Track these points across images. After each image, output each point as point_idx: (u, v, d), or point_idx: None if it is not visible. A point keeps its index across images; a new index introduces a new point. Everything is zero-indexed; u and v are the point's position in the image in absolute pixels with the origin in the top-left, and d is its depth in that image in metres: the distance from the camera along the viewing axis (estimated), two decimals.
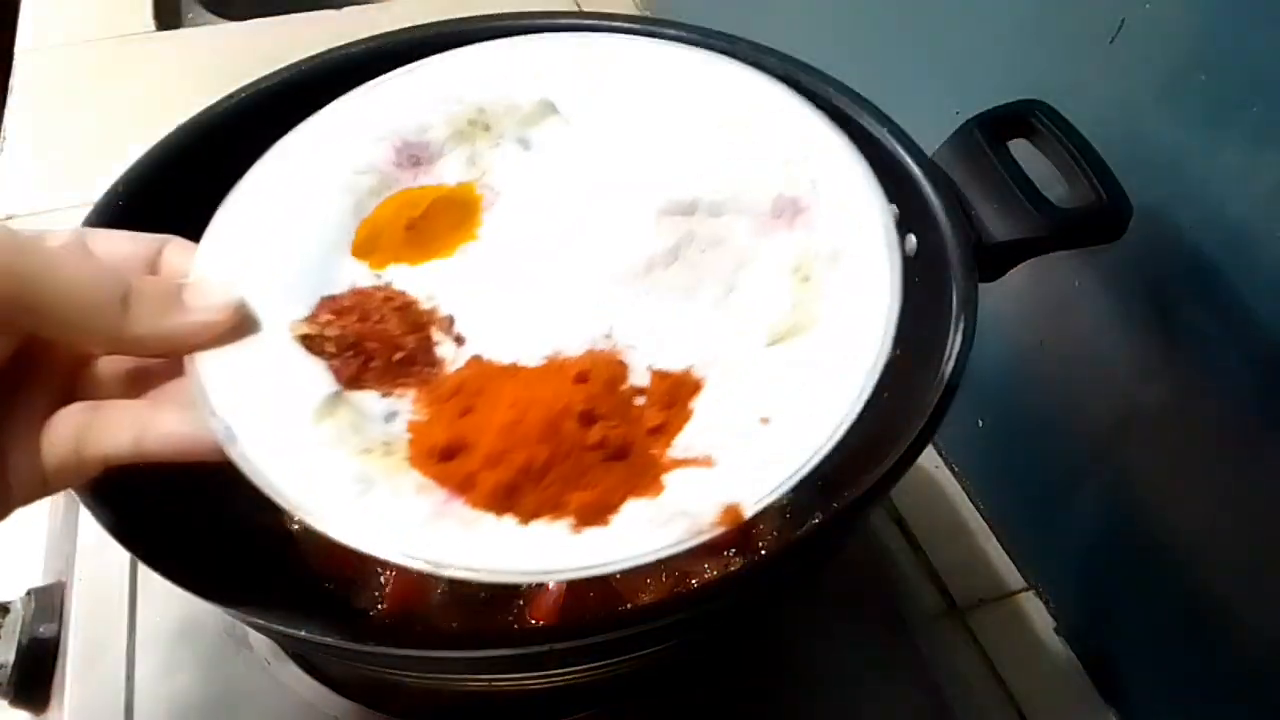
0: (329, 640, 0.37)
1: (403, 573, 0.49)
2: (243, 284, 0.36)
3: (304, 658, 0.51)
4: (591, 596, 0.48)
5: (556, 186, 0.43)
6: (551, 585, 0.48)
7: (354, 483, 0.33)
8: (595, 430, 0.34)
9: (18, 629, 0.54)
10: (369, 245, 0.41)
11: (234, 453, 0.33)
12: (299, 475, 0.33)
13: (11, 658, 0.53)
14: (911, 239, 0.47)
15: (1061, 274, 0.52)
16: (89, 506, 0.38)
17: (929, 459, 0.67)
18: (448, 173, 0.43)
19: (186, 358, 0.34)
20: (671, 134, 0.43)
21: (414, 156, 0.43)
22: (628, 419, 0.35)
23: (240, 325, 0.35)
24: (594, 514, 0.33)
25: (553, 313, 0.39)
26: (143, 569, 0.55)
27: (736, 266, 0.40)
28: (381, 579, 0.50)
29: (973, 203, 0.44)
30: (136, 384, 0.35)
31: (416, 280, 0.40)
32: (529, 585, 0.49)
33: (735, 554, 0.50)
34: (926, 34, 0.59)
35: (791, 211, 0.40)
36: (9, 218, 0.83)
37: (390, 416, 0.36)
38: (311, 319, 0.37)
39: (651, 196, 0.42)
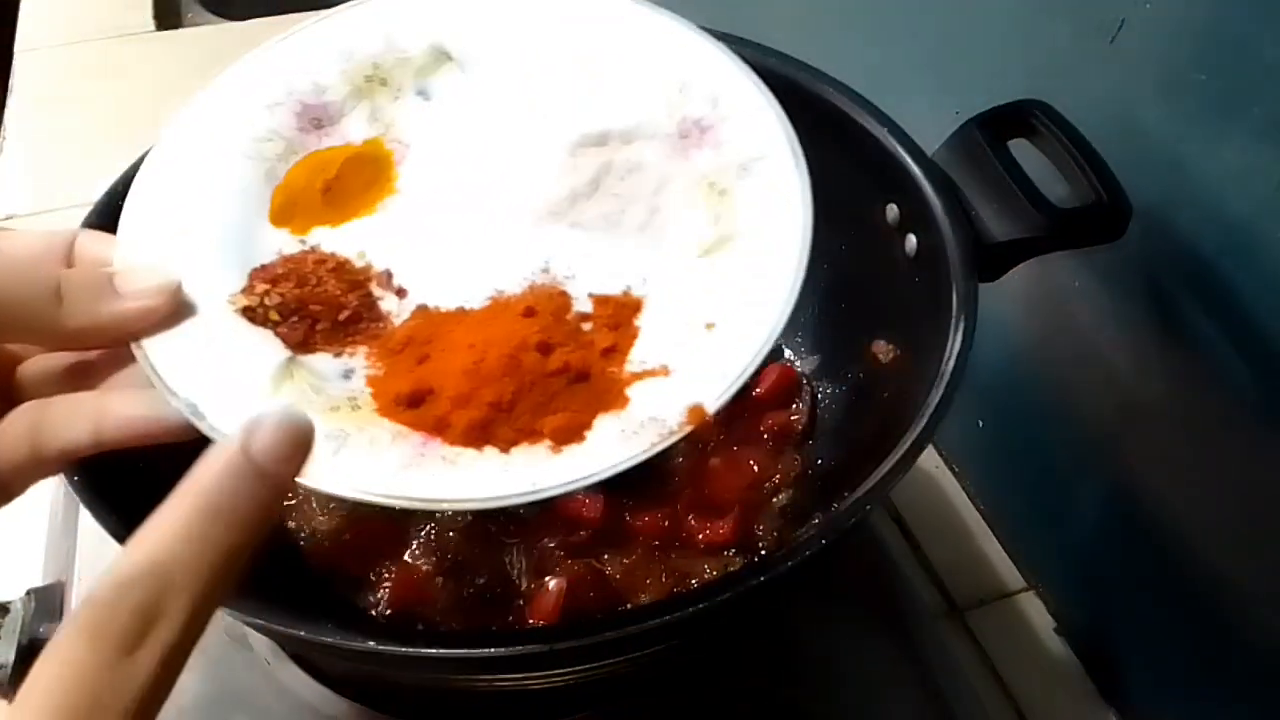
0: (328, 640, 0.37)
1: (403, 570, 0.49)
2: (170, 265, 0.36)
3: (303, 657, 0.51)
4: (592, 596, 0.48)
5: (465, 133, 0.44)
6: (552, 584, 0.48)
7: (328, 439, 0.34)
8: (554, 357, 0.36)
9: (18, 629, 0.54)
10: (287, 211, 0.41)
11: (204, 426, 0.33)
12: None
13: (11, 657, 0.53)
14: (911, 239, 0.47)
15: (1061, 274, 0.52)
16: (88, 506, 0.38)
17: (929, 459, 0.67)
18: (352, 131, 0.43)
19: (133, 345, 0.34)
20: (569, 71, 0.44)
21: (315, 119, 0.43)
22: (581, 344, 0.37)
23: (179, 307, 0.35)
24: (569, 434, 0.34)
25: (487, 254, 0.40)
26: None
27: (655, 189, 0.41)
28: (382, 579, 0.50)
29: (972, 202, 0.44)
30: (76, 380, 0.35)
31: (343, 240, 0.41)
32: (529, 586, 0.49)
33: (735, 554, 0.50)
34: (926, 33, 0.59)
35: (698, 131, 0.41)
36: (8, 217, 0.83)
37: (347, 374, 0.37)
38: (249, 290, 0.38)
39: (562, 132, 0.43)
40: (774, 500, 0.53)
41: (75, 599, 0.56)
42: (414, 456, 0.34)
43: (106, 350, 0.35)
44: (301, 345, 0.37)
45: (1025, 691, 0.57)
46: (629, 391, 0.36)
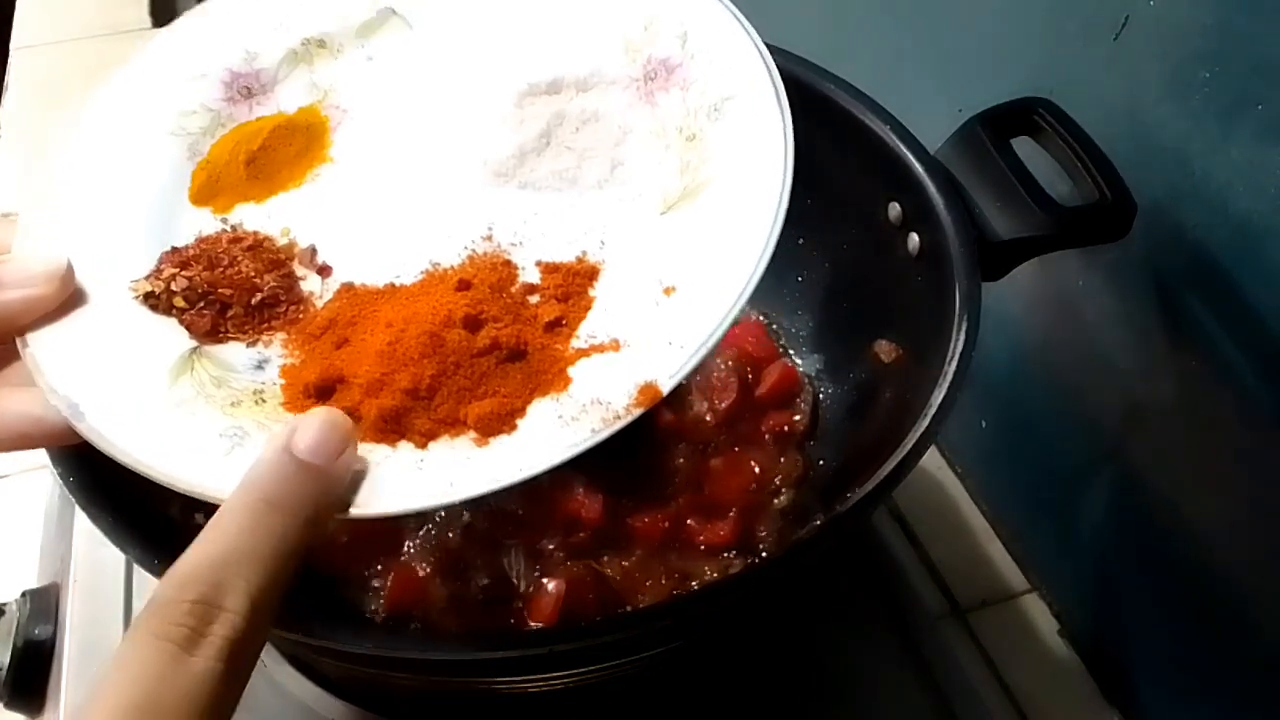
0: (326, 642, 0.36)
1: (401, 573, 0.49)
2: (73, 251, 0.34)
3: (300, 659, 0.51)
4: (591, 598, 0.47)
5: (411, 95, 0.40)
6: (551, 586, 0.48)
7: (222, 438, 0.31)
8: (483, 334, 0.32)
9: (13, 631, 0.54)
10: (209, 190, 0.38)
11: (83, 428, 0.30)
12: (158, 440, 0.31)
13: (6, 660, 0.53)
14: (914, 237, 0.47)
15: (1065, 272, 0.52)
16: (84, 508, 0.38)
17: (932, 459, 0.67)
18: (287, 99, 0.40)
19: (18, 339, 0.32)
20: (522, 17, 0.40)
21: (245, 88, 0.40)
22: (520, 319, 0.33)
23: (73, 295, 0.33)
24: (496, 422, 0.30)
25: (424, 224, 0.37)
26: (138, 570, 0.55)
27: (616, 140, 0.38)
28: (380, 580, 0.49)
29: (976, 201, 0.44)
30: None
31: (267, 217, 0.38)
32: (528, 588, 0.49)
33: (736, 556, 0.50)
34: (929, 31, 0.59)
35: (664, 72, 0.38)
36: (5, 214, 0.82)
37: (261, 364, 0.34)
38: (154, 275, 0.35)
39: (509, 83, 0.39)
40: (775, 501, 0.52)
41: (70, 600, 0.55)
42: None
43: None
44: (209, 334, 0.34)
45: (1028, 692, 0.57)
46: (571, 370, 0.32)
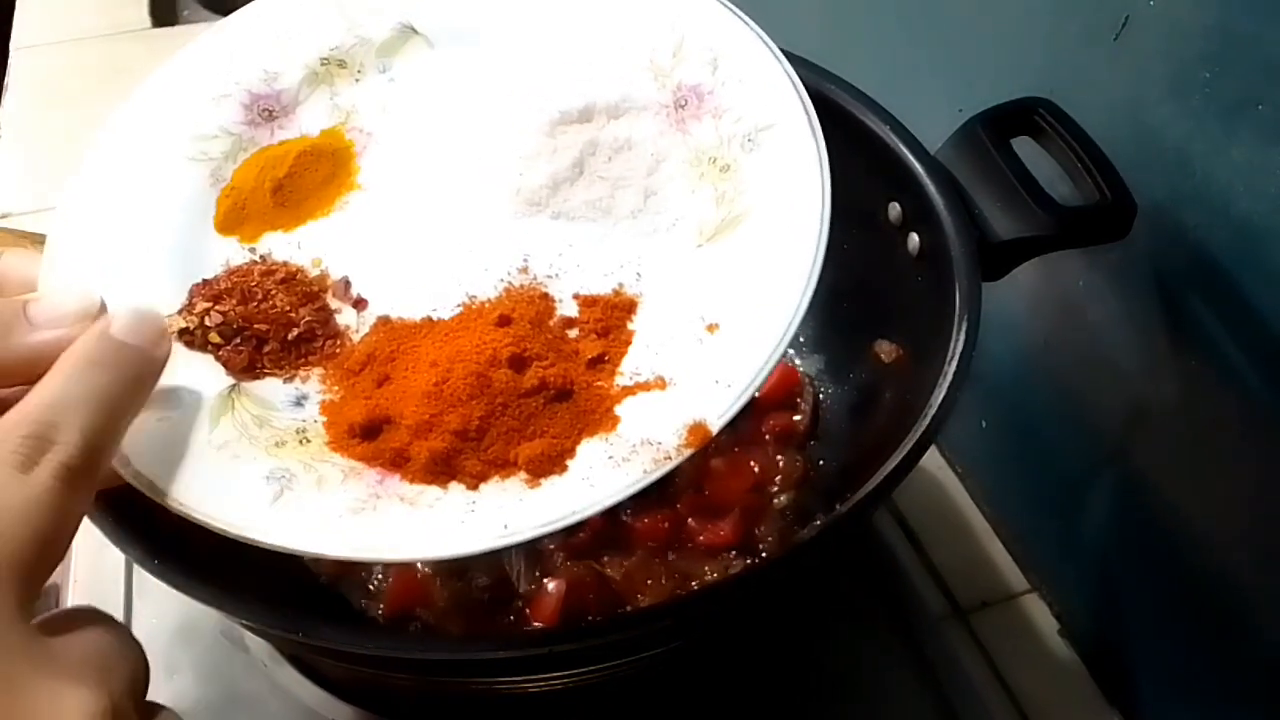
0: (326, 642, 0.36)
1: (401, 573, 0.49)
2: (101, 283, 0.33)
3: (301, 660, 0.51)
4: (591, 598, 0.47)
5: (435, 116, 0.39)
6: (551, 587, 0.48)
7: (269, 481, 0.30)
8: (530, 374, 0.32)
9: None
10: (235, 217, 0.37)
11: (129, 474, 0.30)
12: (205, 485, 0.30)
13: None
14: (914, 237, 0.47)
15: (1066, 273, 0.52)
16: None
17: (932, 460, 0.67)
18: (309, 120, 0.39)
19: None
20: (547, 38, 0.39)
21: (266, 110, 0.39)
22: (563, 355, 0.33)
23: None
24: (547, 464, 0.30)
25: (458, 254, 0.36)
26: (139, 571, 0.55)
27: (649, 169, 0.37)
28: (380, 580, 0.49)
29: (976, 201, 0.44)
30: None
31: (297, 246, 0.37)
32: (529, 588, 0.48)
33: (736, 556, 0.50)
34: (929, 31, 0.58)
35: (695, 99, 0.37)
36: (4, 215, 0.82)
37: (299, 401, 0.34)
38: (186, 310, 0.34)
39: (541, 109, 0.38)
40: (775, 502, 0.52)
41: (70, 601, 0.55)
42: (367, 497, 0.30)
43: (27, 386, 0.31)
44: (246, 370, 0.34)
45: (1029, 693, 0.57)
46: (619, 409, 0.31)
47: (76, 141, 0.91)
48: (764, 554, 0.50)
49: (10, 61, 0.98)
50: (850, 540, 0.55)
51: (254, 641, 0.53)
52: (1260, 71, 0.39)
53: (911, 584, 0.59)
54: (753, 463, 0.53)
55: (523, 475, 0.30)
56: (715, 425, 0.30)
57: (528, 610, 0.48)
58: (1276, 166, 0.39)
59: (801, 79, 0.47)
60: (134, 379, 0.30)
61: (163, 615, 0.55)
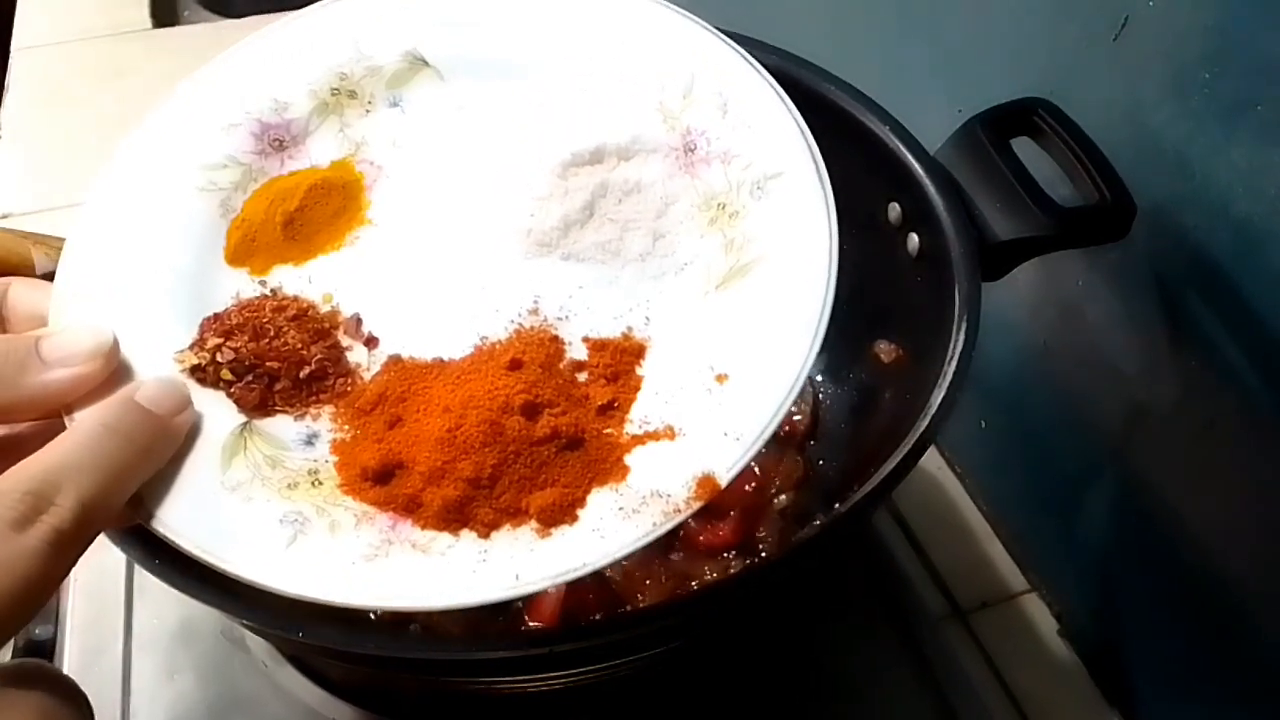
0: (326, 642, 0.36)
1: None
2: (111, 317, 0.33)
3: (301, 660, 0.51)
4: (591, 599, 0.47)
5: (445, 151, 0.39)
6: (550, 588, 0.48)
7: (285, 525, 0.30)
8: (542, 422, 0.32)
9: None
10: (245, 250, 0.37)
11: (142, 516, 0.30)
12: (219, 527, 0.30)
13: (7, 660, 0.52)
14: (914, 238, 0.47)
15: (1065, 273, 0.52)
16: None
17: (932, 460, 0.67)
18: (319, 151, 0.39)
19: (65, 417, 0.31)
20: (557, 74, 0.39)
21: (277, 140, 0.39)
22: (573, 400, 0.33)
23: (116, 371, 0.32)
24: (558, 513, 0.31)
25: (469, 294, 0.36)
26: (139, 571, 0.55)
27: (658, 211, 0.37)
28: None
29: (975, 201, 0.44)
30: (5, 457, 0.31)
31: (308, 281, 0.37)
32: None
33: (735, 556, 0.50)
34: (928, 31, 0.59)
35: (705, 143, 0.37)
36: (5, 216, 0.83)
37: (310, 439, 0.33)
38: (198, 346, 0.34)
39: (552, 149, 0.38)
40: (775, 502, 0.52)
41: (70, 601, 0.55)
42: (380, 544, 0.30)
43: (40, 421, 0.32)
44: (258, 408, 0.34)
45: (1028, 693, 0.57)
46: (629, 459, 0.32)
47: (76, 141, 0.92)
48: (764, 554, 0.50)
49: (10, 62, 0.98)
50: (850, 540, 0.55)
51: (254, 641, 0.53)
52: (1260, 72, 0.39)
53: (911, 584, 0.59)
54: (752, 463, 0.53)
55: (534, 524, 0.30)
56: (724, 478, 0.31)
57: (527, 610, 0.48)
58: (1276, 167, 0.39)
59: (801, 79, 0.47)
60: (146, 449, 0.30)
61: (163, 615, 0.55)
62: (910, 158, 0.45)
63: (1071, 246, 0.45)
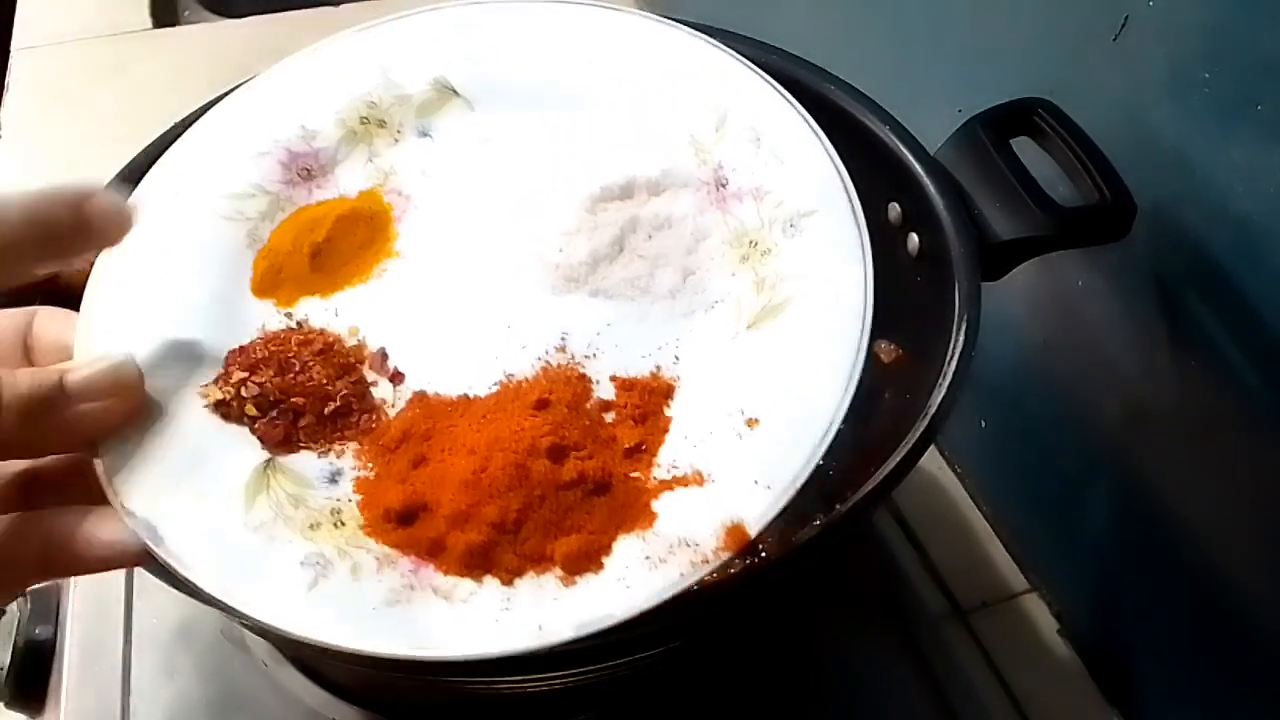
0: (326, 642, 0.36)
1: None
2: (136, 349, 0.32)
3: (302, 660, 0.51)
4: None
5: (474, 183, 0.39)
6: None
7: (306, 567, 0.30)
8: (568, 466, 0.31)
9: (14, 631, 0.54)
10: (271, 280, 0.37)
11: (164, 554, 0.29)
12: (242, 570, 0.30)
13: (7, 660, 0.53)
14: (914, 238, 0.47)
15: (1065, 273, 0.52)
16: None
17: (932, 460, 0.67)
18: (347, 181, 0.39)
19: (88, 451, 0.30)
20: (587, 106, 0.39)
21: (305, 169, 0.39)
22: (600, 442, 0.32)
23: (141, 405, 0.31)
24: (583, 561, 0.30)
25: (496, 329, 0.36)
26: (139, 571, 0.55)
27: (689, 248, 0.37)
28: None
29: (976, 201, 0.44)
30: (28, 494, 0.31)
31: (334, 314, 0.36)
32: None
33: (736, 557, 0.50)
34: (928, 31, 0.59)
35: (737, 178, 0.37)
36: None
37: (334, 477, 0.33)
38: (223, 380, 0.33)
39: (582, 182, 0.38)
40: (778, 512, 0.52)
41: (70, 600, 0.55)
42: (402, 588, 0.29)
43: (65, 455, 0.31)
44: (282, 444, 0.33)
45: (1028, 693, 0.57)
46: (656, 505, 0.31)
47: (76, 141, 0.92)
48: (764, 554, 0.50)
49: (10, 61, 0.98)
50: (850, 540, 0.55)
51: (254, 641, 0.53)
52: (1260, 71, 0.39)
53: (911, 584, 0.59)
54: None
55: (558, 572, 0.30)
56: (754, 528, 0.30)
57: None
58: (1276, 167, 0.39)
59: (801, 79, 0.47)
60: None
61: (163, 615, 0.55)
62: (910, 158, 0.45)
63: (1071, 246, 0.45)
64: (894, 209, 0.48)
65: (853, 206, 0.34)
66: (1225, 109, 0.41)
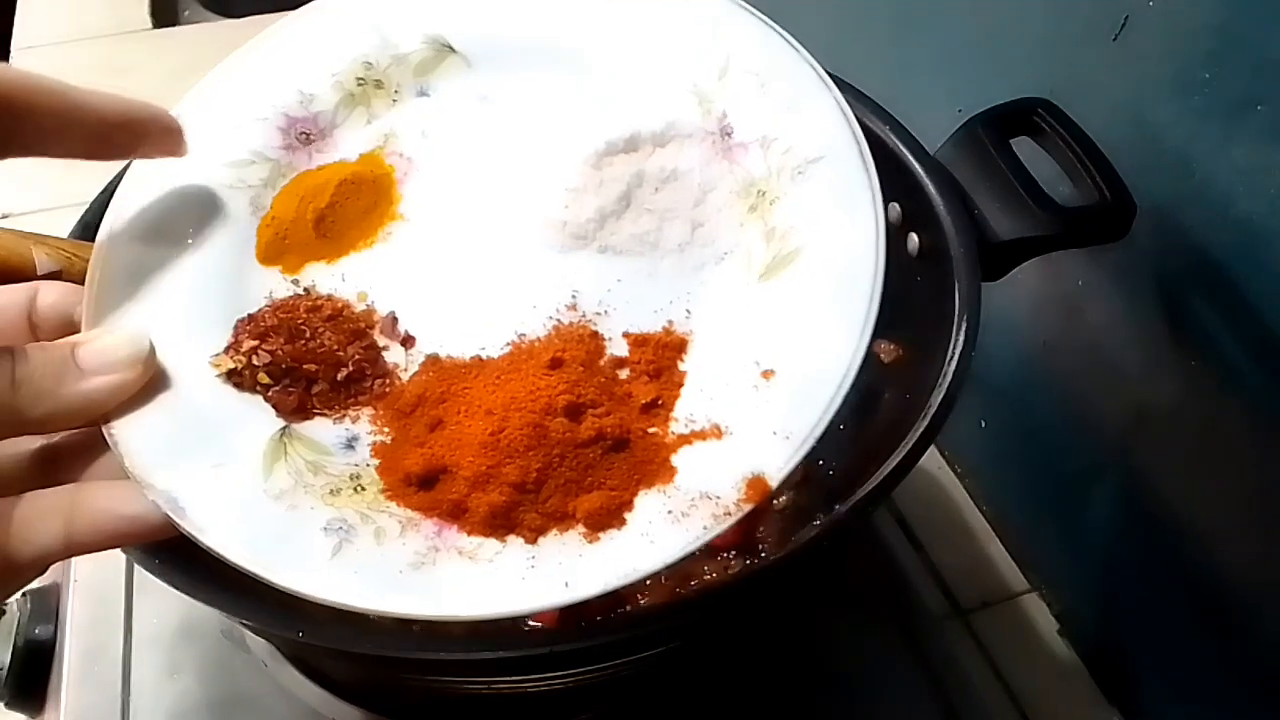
0: (327, 642, 0.36)
1: None
2: (147, 322, 0.32)
3: (302, 659, 0.51)
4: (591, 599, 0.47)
5: (476, 142, 0.38)
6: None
7: (330, 533, 0.30)
8: (586, 424, 0.31)
9: (14, 631, 0.54)
10: (276, 247, 0.36)
11: (187, 525, 0.29)
12: (265, 537, 0.29)
13: (8, 660, 0.53)
14: (914, 237, 0.47)
15: (1066, 273, 0.52)
16: None
17: (932, 460, 0.67)
18: (347, 144, 0.38)
19: (104, 426, 0.30)
20: (587, 59, 0.38)
21: (304, 133, 0.38)
22: (616, 399, 0.32)
23: (154, 377, 0.31)
24: (607, 517, 0.30)
25: (506, 289, 0.35)
26: (139, 571, 0.55)
27: (696, 200, 0.36)
28: None
29: (976, 201, 0.44)
30: (47, 470, 0.31)
31: (341, 279, 0.36)
32: None
33: (735, 556, 0.50)
34: (929, 31, 0.59)
35: (742, 126, 0.36)
36: (5, 216, 0.82)
37: (350, 443, 0.33)
38: (233, 349, 0.33)
39: (586, 138, 0.37)
40: (775, 502, 0.52)
41: (70, 600, 0.55)
42: (426, 550, 0.30)
43: (78, 431, 0.31)
44: (297, 412, 0.33)
45: (1029, 693, 0.57)
46: (675, 459, 0.31)
47: None
48: (764, 554, 0.50)
49: (10, 62, 0.98)
50: (850, 540, 0.55)
51: (254, 641, 0.52)
52: (1261, 71, 0.39)
53: (911, 584, 0.59)
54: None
55: (581, 529, 0.30)
56: (775, 479, 0.30)
57: None
58: (1276, 167, 0.39)
59: None
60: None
61: (163, 615, 0.55)
62: (911, 157, 0.45)
63: (1072, 246, 0.45)
64: (894, 209, 0.48)
65: (861, 150, 0.34)
66: (1226, 109, 0.41)
